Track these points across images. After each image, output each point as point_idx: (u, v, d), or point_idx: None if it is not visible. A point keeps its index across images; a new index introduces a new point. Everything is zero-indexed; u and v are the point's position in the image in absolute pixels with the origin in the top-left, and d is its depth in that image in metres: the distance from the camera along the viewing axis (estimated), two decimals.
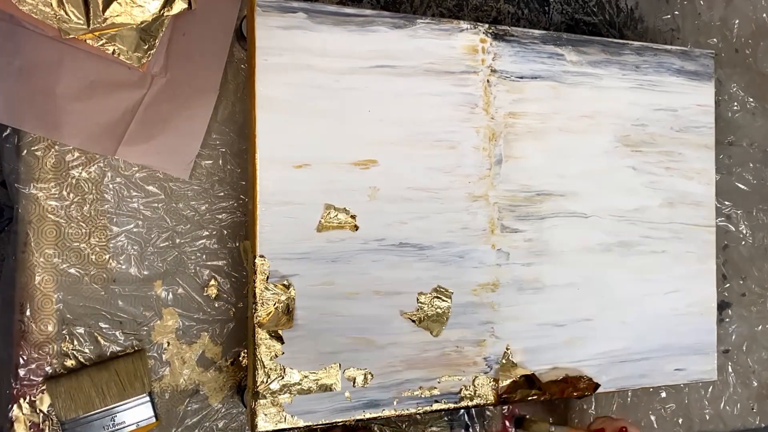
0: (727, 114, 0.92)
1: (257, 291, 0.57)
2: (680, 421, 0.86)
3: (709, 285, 0.77)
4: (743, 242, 0.92)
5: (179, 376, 0.67)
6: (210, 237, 0.68)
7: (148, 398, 0.63)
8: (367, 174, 0.61)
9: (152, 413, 0.63)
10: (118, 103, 0.64)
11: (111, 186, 0.65)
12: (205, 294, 0.67)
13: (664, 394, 0.85)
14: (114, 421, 0.61)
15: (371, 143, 0.61)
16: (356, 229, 0.61)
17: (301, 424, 0.59)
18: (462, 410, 0.76)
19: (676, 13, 0.89)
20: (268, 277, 0.58)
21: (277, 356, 0.58)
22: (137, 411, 0.63)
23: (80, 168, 0.64)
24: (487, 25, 0.66)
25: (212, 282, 0.67)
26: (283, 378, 0.58)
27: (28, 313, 0.63)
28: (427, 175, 0.63)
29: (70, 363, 0.64)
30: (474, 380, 0.65)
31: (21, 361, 0.62)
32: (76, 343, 0.64)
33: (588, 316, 0.70)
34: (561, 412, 0.81)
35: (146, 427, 0.63)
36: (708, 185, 0.77)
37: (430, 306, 0.63)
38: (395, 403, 0.62)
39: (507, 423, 0.79)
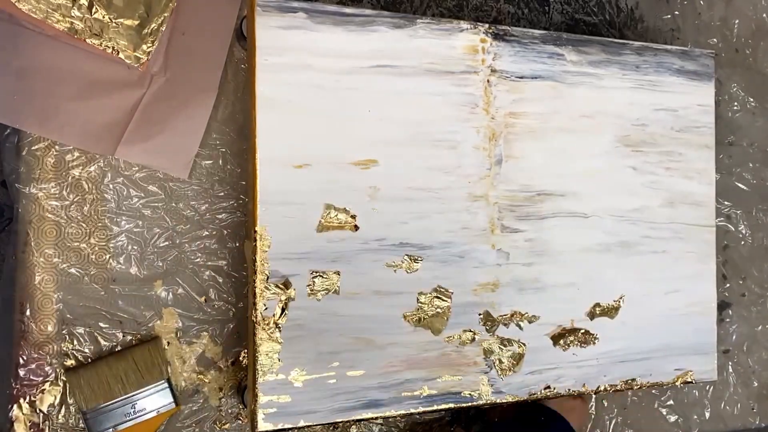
0: (727, 114, 0.92)
1: (257, 291, 0.57)
2: (680, 421, 0.86)
3: (709, 285, 0.77)
4: (743, 242, 0.92)
5: (179, 376, 0.67)
6: (210, 237, 0.68)
7: (166, 384, 0.64)
8: (367, 174, 0.61)
9: (171, 399, 0.64)
10: (118, 103, 0.64)
11: (111, 186, 0.65)
12: (204, 295, 0.67)
13: (663, 394, 0.85)
14: (135, 408, 0.63)
15: (371, 143, 0.61)
16: (356, 229, 0.61)
17: (301, 423, 0.59)
18: (462, 410, 0.76)
19: (676, 13, 0.89)
20: (268, 277, 0.58)
21: (277, 356, 0.58)
22: (157, 397, 0.64)
23: (80, 168, 0.64)
24: (487, 25, 0.66)
25: (212, 282, 0.67)
26: (283, 378, 0.58)
27: (28, 313, 0.63)
28: (428, 175, 0.63)
29: (69, 363, 0.64)
30: (474, 380, 0.65)
31: (21, 361, 0.62)
32: (76, 342, 0.64)
33: (588, 316, 0.70)
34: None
35: (166, 413, 0.64)
36: (708, 185, 0.77)
37: (430, 306, 0.63)
38: (395, 403, 0.62)
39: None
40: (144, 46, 0.62)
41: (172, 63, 0.65)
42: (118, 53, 0.62)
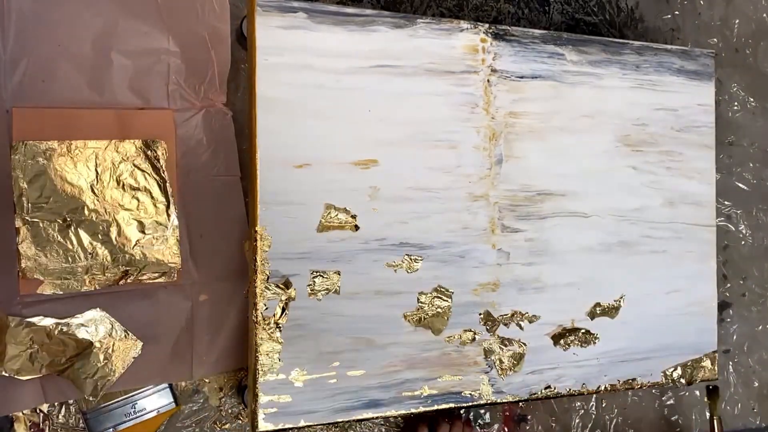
0: (727, 114, 0.92)
1: (257, 291, 0.57)
2: (680, 420, 0.86)
3: (709, 285, 0.77)
4: (743, 242, 0.92)
5: None
6: None
7: (167, 385, 0.64)
8: (367, 174, 0.61)
9: (172, 399, 0.64)
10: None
11: None
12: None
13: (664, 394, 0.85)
14: (135, 408, 0.63)
15: (371, 143, 0.61)
16: (356, 229, 0.61)
17: (302, 423, 0.59)
18: (462, 410, 0.76)
19: (677, 13, 0.89)
20: (268, 277, 0.58)
21: (277, 356, 0.58)
22: (156, 398, 0.64)
23: None
24: (487, 25, 0.66)
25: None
26: (283, 378, 0.58)
27: None
28: (428, 175, 0.63)
29: None
30: (474, 380, 0.65)
31: None
32: None
33: (588, 316, 0.70)
34: (562, 411, 0.81)
35: (166, 413, 0.64)
36: (708, 185, 0.77)
37: (430, 306, 0.63)
38: (395, 403, 0.62)
39: (506, 424, 0.79)
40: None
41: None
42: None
